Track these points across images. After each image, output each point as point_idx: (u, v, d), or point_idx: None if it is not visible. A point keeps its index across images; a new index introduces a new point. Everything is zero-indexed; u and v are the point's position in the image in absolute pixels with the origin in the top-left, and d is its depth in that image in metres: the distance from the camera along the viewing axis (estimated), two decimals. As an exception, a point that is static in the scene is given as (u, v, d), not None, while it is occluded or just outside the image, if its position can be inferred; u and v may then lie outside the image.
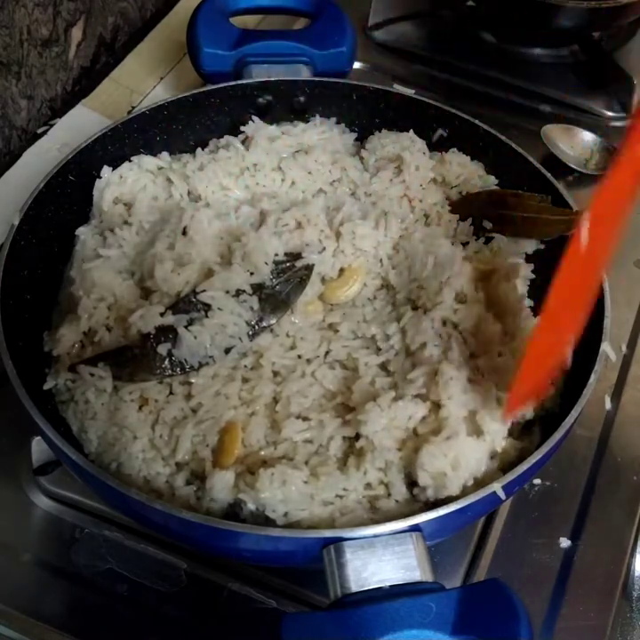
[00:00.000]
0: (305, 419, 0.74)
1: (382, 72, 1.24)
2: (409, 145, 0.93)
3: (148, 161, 0.91)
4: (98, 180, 0.88)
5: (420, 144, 0.93)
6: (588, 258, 0.62)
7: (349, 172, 0.92)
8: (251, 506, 0.67)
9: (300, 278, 0.81)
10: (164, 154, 0.92)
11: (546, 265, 0.84)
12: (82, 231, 0.86)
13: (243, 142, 0.92)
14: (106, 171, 0.88)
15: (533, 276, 0.82)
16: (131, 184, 0.89)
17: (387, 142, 0.94)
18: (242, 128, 0.93)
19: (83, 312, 0.78)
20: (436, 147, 0.94)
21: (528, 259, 0.86)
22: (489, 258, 0.87)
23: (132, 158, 0.90)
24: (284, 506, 0.67)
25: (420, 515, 0.62)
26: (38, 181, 0.83)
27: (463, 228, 0.90)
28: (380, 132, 0.96)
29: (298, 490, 0.68)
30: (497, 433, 0.71)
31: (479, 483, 0.69)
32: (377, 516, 0.68)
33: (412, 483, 0.70)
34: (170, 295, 0.79)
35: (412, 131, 0.94)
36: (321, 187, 0.92)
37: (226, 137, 0.93)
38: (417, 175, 0.91)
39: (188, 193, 0.89)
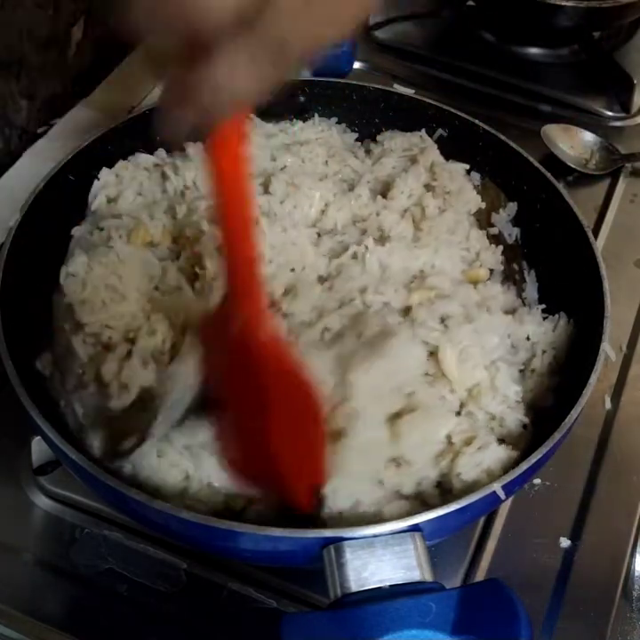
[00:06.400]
0: None
1: (382, 72, 1.24)
2: (419, 141, 0.94)
3: (143, 158, 0.90)
4: (96, 181, 0.88)
5: (430, 142, 0.94)
6: None
7: (349, 162, 0.92)
8: None
9: None
10: (160, 151, 0.92)
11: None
12: (77, 230, 0.86)
13: None
14: (104, 172, 0.88)
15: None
16: (126, 181, 0.88)
17: (396, 135, 0.95)
18: None
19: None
20: (435, 146, 0.94)
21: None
22: None
23: (128, 157, 0.90)
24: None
25: (419, 514, 0.62)
26: (38, 181, 0.82)
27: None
28: (382, 131, 0.96)
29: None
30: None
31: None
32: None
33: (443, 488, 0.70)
34: None
35: (423, 130, 0.94)
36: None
37: None
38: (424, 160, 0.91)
39: (183, 192, 0.88)
